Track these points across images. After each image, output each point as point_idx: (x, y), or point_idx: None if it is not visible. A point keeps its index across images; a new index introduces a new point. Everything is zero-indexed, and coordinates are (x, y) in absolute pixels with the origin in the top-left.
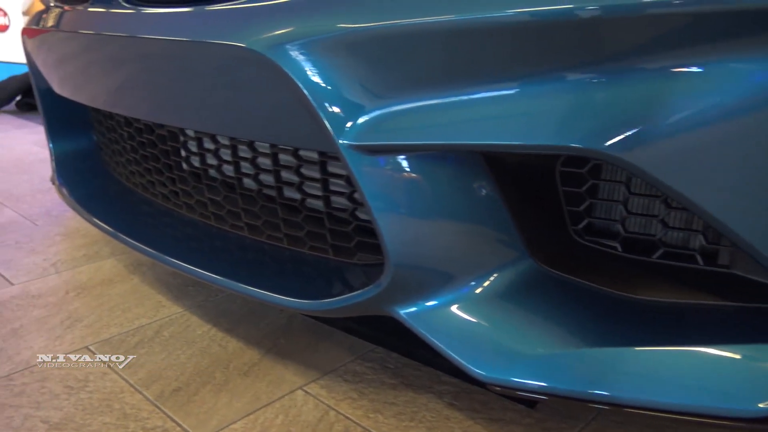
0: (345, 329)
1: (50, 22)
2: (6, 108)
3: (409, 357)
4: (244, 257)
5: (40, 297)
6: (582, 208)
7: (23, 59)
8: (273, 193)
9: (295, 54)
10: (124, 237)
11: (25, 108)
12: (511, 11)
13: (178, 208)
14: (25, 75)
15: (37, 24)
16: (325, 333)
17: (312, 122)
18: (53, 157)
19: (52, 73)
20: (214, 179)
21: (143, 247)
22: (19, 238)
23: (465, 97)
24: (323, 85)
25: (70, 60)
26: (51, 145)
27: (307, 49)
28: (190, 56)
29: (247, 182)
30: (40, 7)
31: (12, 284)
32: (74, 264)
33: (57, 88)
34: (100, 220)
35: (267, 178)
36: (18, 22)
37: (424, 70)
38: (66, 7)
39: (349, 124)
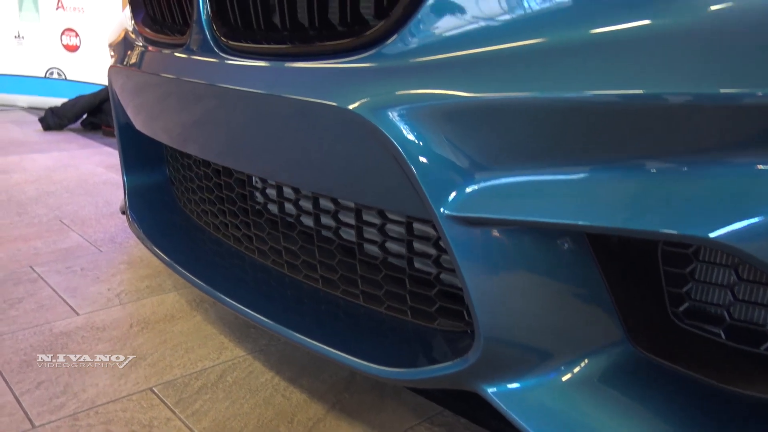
0: (411, 388)
1: (138, 63)
2: (72, 126)
3: (478, 424)
4: (317, 309)
5: (104, 330)
6: (684, 290)
7: (92, 79)
8: (353, 247)
9: (398, 119)
10: (194, 278)
11: (90, 127)
12: (632, 92)
13: (250, 252)
14: (92, 95)
15: (123, 62)
16: (389, 390)
17: (409, 189)
18: (126, 190)
19: (133, 110)
20: (291, 227)
21: (213, 290)
22: (84, 265)
23: (574, 176)
24: (426, 153)
25: (153, 100)
26: (125, 178)
27: (412, 115)
28: (280, 111)
29: (326, 234)
30: (125, 40)
31: (77, 314)
32: (138, 296)
33: (137, 125)
34: (169, 257)
35: (347, 233)
36: (88, 43)
37: (534, 145)
38: (151, 48)
39: (450, 195)
